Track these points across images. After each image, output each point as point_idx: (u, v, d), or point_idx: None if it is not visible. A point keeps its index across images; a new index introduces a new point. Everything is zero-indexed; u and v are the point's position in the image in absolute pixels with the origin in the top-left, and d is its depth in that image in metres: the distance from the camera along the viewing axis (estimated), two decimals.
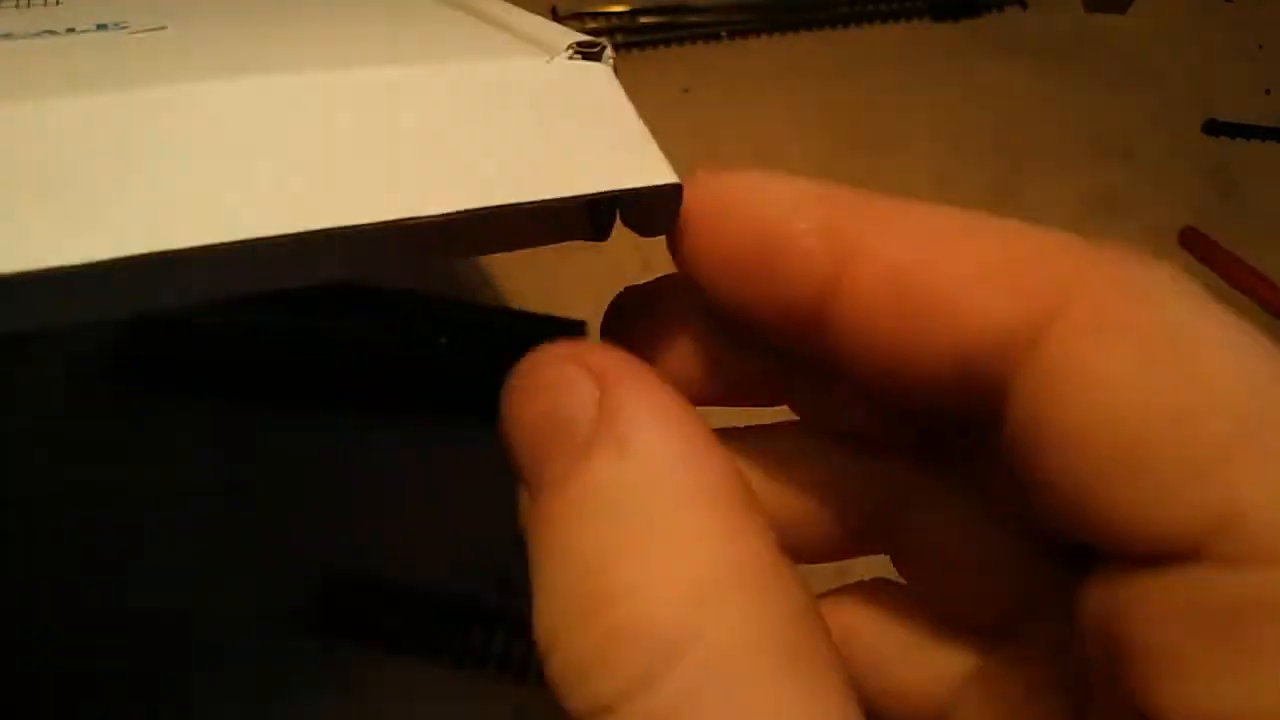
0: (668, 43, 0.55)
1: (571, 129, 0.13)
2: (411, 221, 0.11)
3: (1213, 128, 0.52)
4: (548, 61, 0.14)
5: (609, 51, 0.14)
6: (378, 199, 0.11)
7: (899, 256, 0.12)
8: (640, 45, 0.55)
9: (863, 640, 0.16)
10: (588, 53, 0.14)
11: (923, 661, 0.16)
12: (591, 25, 0.55)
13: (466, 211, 0.12)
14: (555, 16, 0.56)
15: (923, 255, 0.12)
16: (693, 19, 0.56)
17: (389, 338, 0.42)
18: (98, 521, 0.38)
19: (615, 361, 0.13)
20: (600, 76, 0.14)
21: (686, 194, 0.13)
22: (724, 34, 0.56)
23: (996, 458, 0.13)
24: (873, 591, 0.17)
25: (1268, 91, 0.54)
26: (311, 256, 0.12)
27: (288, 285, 0.12)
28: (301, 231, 0.11)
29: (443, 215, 0.11)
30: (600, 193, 0.12)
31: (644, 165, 0.13)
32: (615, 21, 0.56)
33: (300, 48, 0.16)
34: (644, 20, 0.56)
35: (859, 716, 0.11)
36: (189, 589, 0.36)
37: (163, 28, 0.17)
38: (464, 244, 0.14)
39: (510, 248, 0.14)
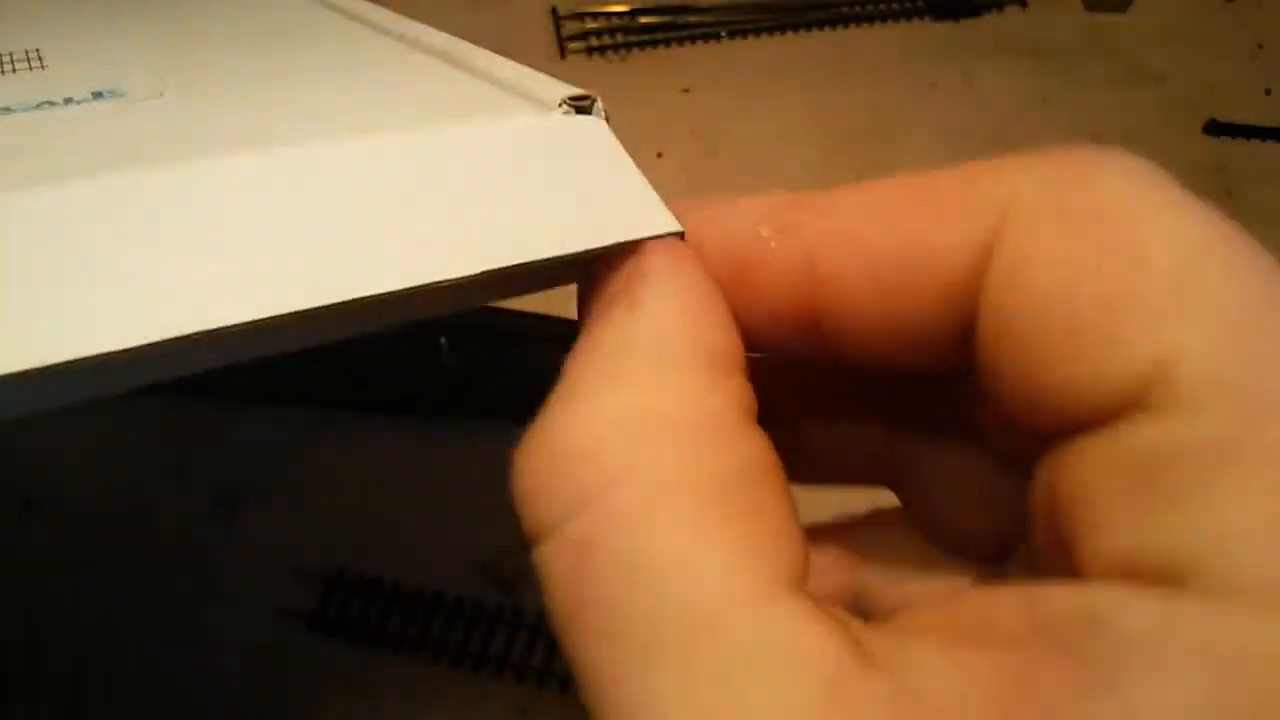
0: (668, 43, 0.55)
1: (573, 184, 0.13)
2: (430, 286, 0.12)
3: (1213, 128, 0.52)
4: (541, 117, 0.14)
5: (599, 104, 0.14)
6: (392, 267, 0.11)
7: (856, 228, 0.13)
8: (640, 45, 0.55)
9: (869, 566, 0.17)
10: (579, 106, 0.14)
11: (923, 584, 0.16)
12: (591, 25, 0.55)
13: (481, 274, 0.12)
14: (556, 17, 0.56)
15: (878, 220, 0.13)
16: (693, 19, 0.56)
17: (389, 338, 0.42)
18: (97, 522, 0.38)
19: (659, 239, 0.13)
20: (595, 129, 0.14)
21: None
22: (724, 34, 0.56)
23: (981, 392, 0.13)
24: (876, 520, 0.17)
25: (1268, 91, 0.54)
26: (324, 325, 0.13)
27: (298, 347, 0.13)
28: (318, 306, 0.11)
29: (457, 280, 0.12)
30: (608, 245, 0.13)
31: (647, 216, 0.13)
32: (615, 21, 0.56)
33: (295, 114, 0.16)
34: (644, 20, 0.56)
35: (787, 584, 0.11)
36: (189, 589, 0.36)
37: (160, 94, 0.17)
38: (470, 299, 0.14)
39: (514, 295, 0.14)
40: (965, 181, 0.12)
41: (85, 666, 0.34)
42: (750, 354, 0.13)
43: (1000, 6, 0.57)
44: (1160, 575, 0.10)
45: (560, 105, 0.14)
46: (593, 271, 0.13)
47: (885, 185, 0.13)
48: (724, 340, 0.13)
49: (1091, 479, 0.11)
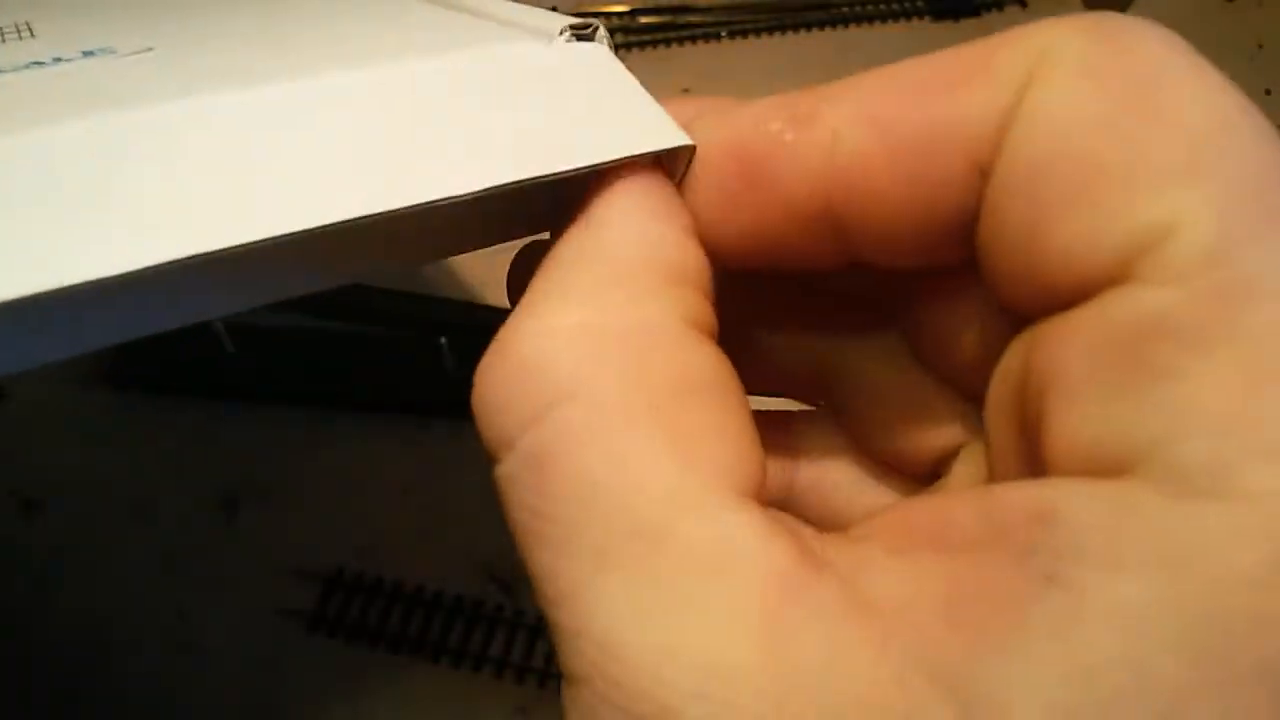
0: (668, 43, 0.55)
1: (582, 105, 0.13)
2: (446, 201, 0.11)
3: None
4: (546, 45, 0.14)
5: (602, 31, 0.14)
6: (392, 188, 0.11)
7: (876, 109, 0.12)
8: (640, 45, 0.55)
9: (801, 465, 0.17)
10: (581, 34, 0.14)
11: (856, 491, 0.16)
12: None
13: (494, 188, 0.12)
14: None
15: (900, 98, 0.12)
16: (693, 19, 0.56)
17: (389, 338, 0.42)
18: (97, 522, 0.38)
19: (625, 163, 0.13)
20: (599, 54, 0.14)
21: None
22: (724, 34, 0.56)
23: (938, 308, 0.13)
24: (814, 422, 0.17)
25: (1268, 92, 0.54)
26: (327, 258, 0.12)
27: (332, 279, 0.13)
28: (320, 226, 0.11)
29: (470, 194, 0.11)
30: (626, 157, 0.13)
31: (659, 129, 0.13)
32: (615, 21, 0.56)
33: (292, 56, 0.16)
34: (644, 20, 0.56)
35: (735, 491, 0.11)
36: (189, 589, 0.36)
37: (149, 49, 0.17)
38: (473, 236, 0.14)
39: (515, 236, 0.14)
40: (992, 48, 0.12)
41: (85, 666, 0.34)
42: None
43: (1000, 6, 0.57)
44: (1115, 464, 0.09)
45: (562, 33, 0.14)
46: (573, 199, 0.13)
47: (908, 63, 0.12)
48: (679, 255, 0.12)
49: (1068, 354, 0.10)
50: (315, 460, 0.39)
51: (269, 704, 0.34)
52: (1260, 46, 0.56)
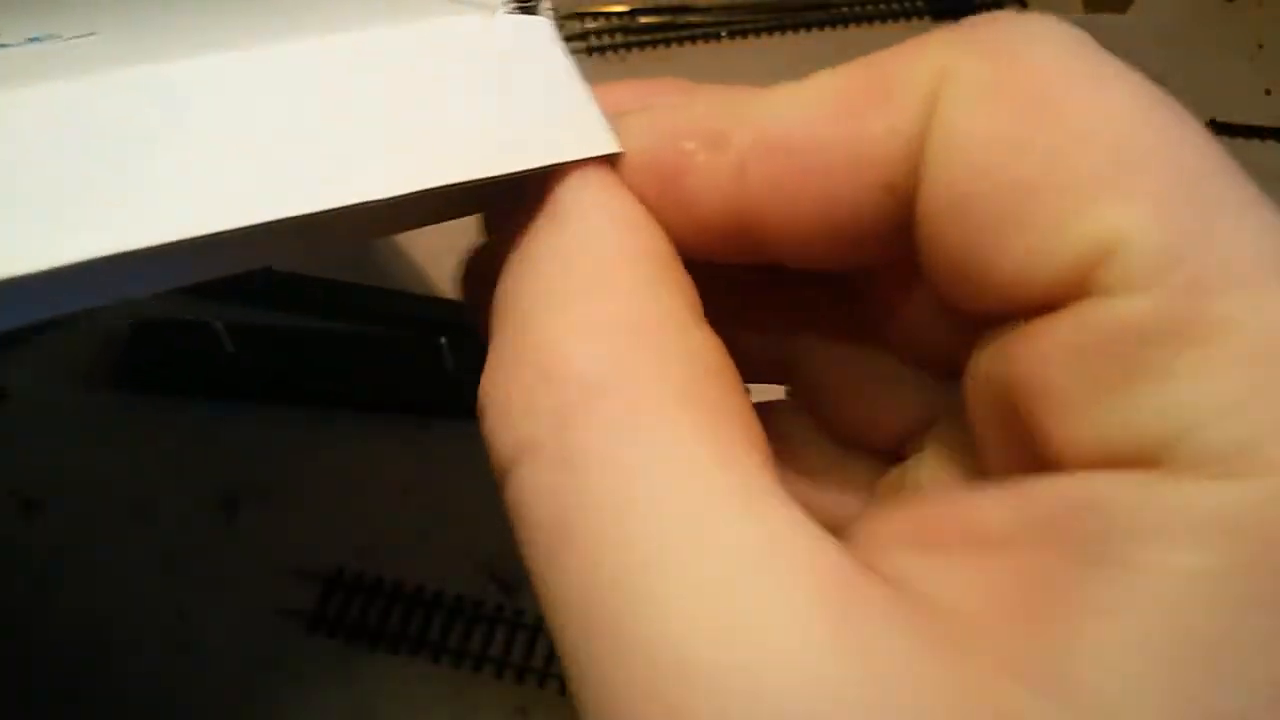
0: (668, 43, 0.55)
1: (516, 98, 0.13)
2: (363, 206, 0.11)
3: (1213, 128, 0.52)
4: (487, 17, 0.14)
5: (546, 2, 0.14)
6: (328, 185, 0.11)
7: (784, 134, 0.12)
8: (640, 45, 0.55)
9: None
10: (525, 6, 0.14)
11: (827, 475, 0.16)
12: (592, 25, 0.55)
13: (416, 193, 0.11)
14: (555, 16, 0.56)
15: (807, 122, 0.12)
16: (693, 19, 0.56)
17: (389, 338, 0.42)
18: (97, 522, 0.38)
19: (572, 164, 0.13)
20: (541, 30, 0.14)
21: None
22: (724, 34, 0.56)
23: (892, 289, 0.13)
24: (775, 412, 0.17)
25: (1268, 92, 0.54)
26: (263, 245, 0.12)
27: (239, 270, 0.12)
28: (257, 224, 0.10)
29: (391, 199, 0.11)
30: (546, 166, 0.12)
31: (589, 133, 0.13)
32: (615, 21, 0.56)
33: (230, 25, 0.15)
34: (644, 20, 0.56)
35: (765, 472, 0.11)
36: (189, 589, 0.36)
37: (93, 34, 0.16)
38: (398, 221, 0.14)
39: (448, 217, 0.14)
40: (891, 66, 0.12)
41: (84, 666, 0.34)
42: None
43: (1000, 7, 0.57)
44: (1140, 457, 0.10)
45: (505, 3, 0.14)
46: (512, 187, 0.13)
47: (812, 83, 0.13)
48: (663, 242, 0.13)
49: (1052, 366, 0.11)
50: (315, 460, 0.39)
51: (269, 704, 0.34)
52: (1260, 46, 0.56)
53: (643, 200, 0.13)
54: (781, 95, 0.13)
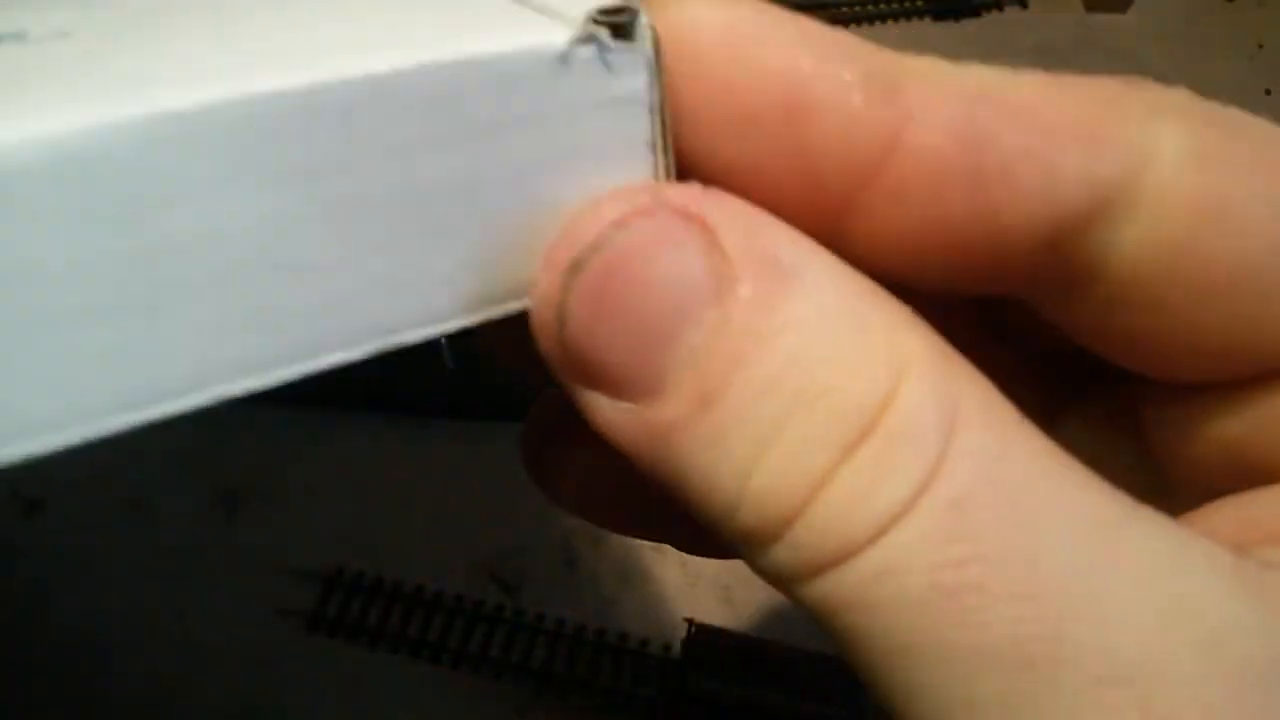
0: None
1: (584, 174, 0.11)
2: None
3: None
4: (562, 43, 0.10)
5: (643, 21, 0.11)
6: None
7: (969, 114, 0.10)
8: None
9: None
10: (615, 22, 0.10)
11: None
12: None
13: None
14: None
15: (995, 112, 0.10)
16: None
17: None
18: (97, 521, 0.38)
19: (698, 197, 0.10)
20: (631, 75, 0.11)
21: (668, 32, 0.10)
22: None
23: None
24: None
25: (1268, 92, 0.54)
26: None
27: None
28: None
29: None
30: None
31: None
32: None
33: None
34: None
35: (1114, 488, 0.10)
36: (189, 589, 0.36)
37: (66, 36, 0.16)
38: None
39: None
40: (1102, 96, 0.11)
41: (84, 665, 0.34)
42: None
43: (1000, 7, 0.57)
44: None
45: (589, 33, 0.10)
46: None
47: (1020, 77, 0.11)
48: (881, 291, 0.10)
49: None
50: (315, 460, 0.39)
51: (269, 704, 0.34)
52: (1260, 46, 0.56)
53: (739, 122, 0.10)
54: (980, 71, 0.11)
